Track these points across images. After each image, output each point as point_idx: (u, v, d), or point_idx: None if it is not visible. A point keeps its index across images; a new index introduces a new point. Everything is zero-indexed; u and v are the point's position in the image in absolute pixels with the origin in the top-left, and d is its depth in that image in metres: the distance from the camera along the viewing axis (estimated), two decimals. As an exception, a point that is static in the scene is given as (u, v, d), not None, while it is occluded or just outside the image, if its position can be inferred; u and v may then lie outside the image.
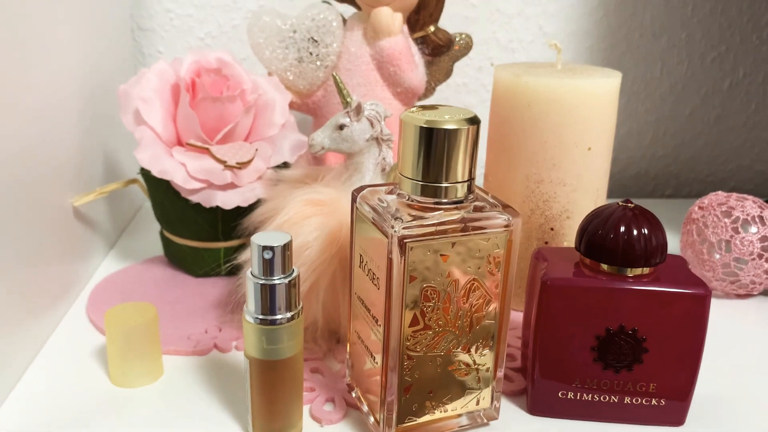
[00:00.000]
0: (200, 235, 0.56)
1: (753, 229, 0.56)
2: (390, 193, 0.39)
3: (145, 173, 0.55)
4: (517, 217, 0.37)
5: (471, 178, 0.37)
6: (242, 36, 0.76)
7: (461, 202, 0.37)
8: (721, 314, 0.55)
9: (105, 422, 0.41)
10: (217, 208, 0.54)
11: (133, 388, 0.44)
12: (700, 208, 0.59)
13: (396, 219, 0.35)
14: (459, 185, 0.36)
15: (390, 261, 0.35)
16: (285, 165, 0.56)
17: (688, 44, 0.84)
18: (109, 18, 0.66)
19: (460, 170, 0.36)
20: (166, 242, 0.60)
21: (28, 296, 0.46)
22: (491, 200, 0.38)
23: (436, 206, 0.37)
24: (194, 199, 0.53)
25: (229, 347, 0.48)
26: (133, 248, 0.65)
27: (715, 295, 0.58)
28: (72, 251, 0.54)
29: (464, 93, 0.81)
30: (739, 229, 0.56)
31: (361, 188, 0.40)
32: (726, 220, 0.56)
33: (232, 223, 0.54)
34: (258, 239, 0.37)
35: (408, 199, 0.37)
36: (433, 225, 0.36)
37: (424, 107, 0.37)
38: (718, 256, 0.57)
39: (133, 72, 0.73)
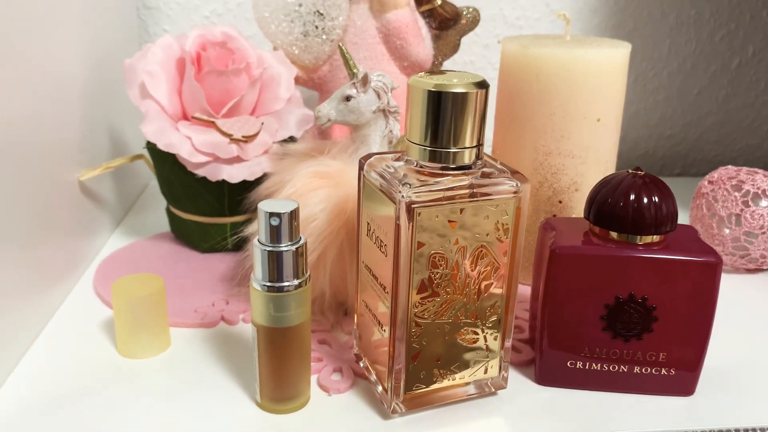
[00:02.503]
0: (206, 211, 0.56)
1: (763, 202, 0.55)
2: (398, 160, 0.38)
3: (151, 147, 0.55)
4: (526, 182, 0.37)
5: (479, 144, 0.37)
6: (247, 14, 0.76)
7: (469, 167, 0.37)
8: (731, 288, 0.55)
9: (113, 392, 0.41)
10: (223, 182, 0.53)
11: (140, 359, 0.44)
12: (710, 182, 0.58)
13: (404, 184, 0.35)
14: (467, 151, 0.36)
15: (398, 227, 0.35)
16: (291, 139, 0.55)
17: (696, 22, 0.83)
18: (113, -5, 0.65)
19: (469, 135, 0.36)
20: (172, 218, 0.60)
21: (36, 270, 0.46)
22: (500, 166, 0.38)
23: (443, 172, 0.36)
24: (200, 173, 0.53)
25: (236, 320, 0.48)
26: (140, 225, 0.65)
27: (724, 270, 0.58)
28: (79, 227, 0.54)
29: (471, 70, 0.80)
30: (750, 203, 0.55)
31: (369, 156, 0.39)
32: (736, 193, 0.56)
33: (238, 197, 0.54)
34: (265, 206, 0.37)
35: (416, 165, 0.37)
36: (441, 190, 0.35)
37: (432, 72, 0.37)
38: (727, 231, 0.56)
39: (138, 50, 0.73)
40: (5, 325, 0.42)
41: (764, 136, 0.89)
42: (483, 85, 0.36)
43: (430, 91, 0.35)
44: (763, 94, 0.87)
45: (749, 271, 0.58)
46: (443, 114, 0.35)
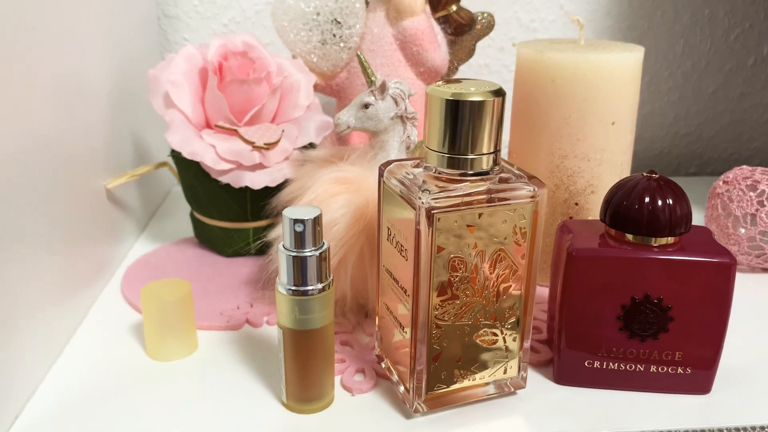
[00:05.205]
0: (230, 216, 0.58)
1: (778, 202, 0.55)
2: (416, 166, 0.40)
3: (175, 155, 0.57)
4: (543, 187, 0.38)
5: (497, 150, 0.38)
6: (265, 21, 0.77)
7: (487, 173, 0.38)
8: (747, 288, 0.55)
9: (143, 394, 0.42)
10: (246, 188, 0.55)
11: (169, 362, 0.45)
12: (725, 182, 0.59)
13: (423, 191, 0.36)
14: (485, 157, 0.37)
15: (418, 232, 0.36)
16: (311, 146, 0.57)
17: (711, 21, 0.83)
18: (134, 5, 0.67)
19: (486, 142, 0.37)
20: (196, 223, 0.61)
21: (65, 276, 0.48)
22: (517, 172, 0.39)
23: (462, 178, 0.37)
24: (224, 179, 0.54)
25: (261, 322, 0.50)
26: (164, 230, 0.67)
27: (740, 270, 0.58)
28: (106, 233, 0.56)
29: (486, 74, 0.82)
30: (765, 203, 0.56)
31: (388, 163, 0.40)
32: (751, 193, 0.56)
33: (260, 203, 0.55)
34: (289, 213, 0.38)
35: (435, 172, 0.38)
36: (459, 196, 0.36)
37: (449, 80, 0.38)
38: (743, 230, 0.57)
39: (159, 59, 0.75)
40: (37, 331, 0.43)
41: (780, 134, 0.89)
42: (500, 92, 0.37)
43: (447, 100, 0.36)
44: (778, 92, 0.87)
45: (765, 270, 0.59)
46: (461, 122, 0.36)
